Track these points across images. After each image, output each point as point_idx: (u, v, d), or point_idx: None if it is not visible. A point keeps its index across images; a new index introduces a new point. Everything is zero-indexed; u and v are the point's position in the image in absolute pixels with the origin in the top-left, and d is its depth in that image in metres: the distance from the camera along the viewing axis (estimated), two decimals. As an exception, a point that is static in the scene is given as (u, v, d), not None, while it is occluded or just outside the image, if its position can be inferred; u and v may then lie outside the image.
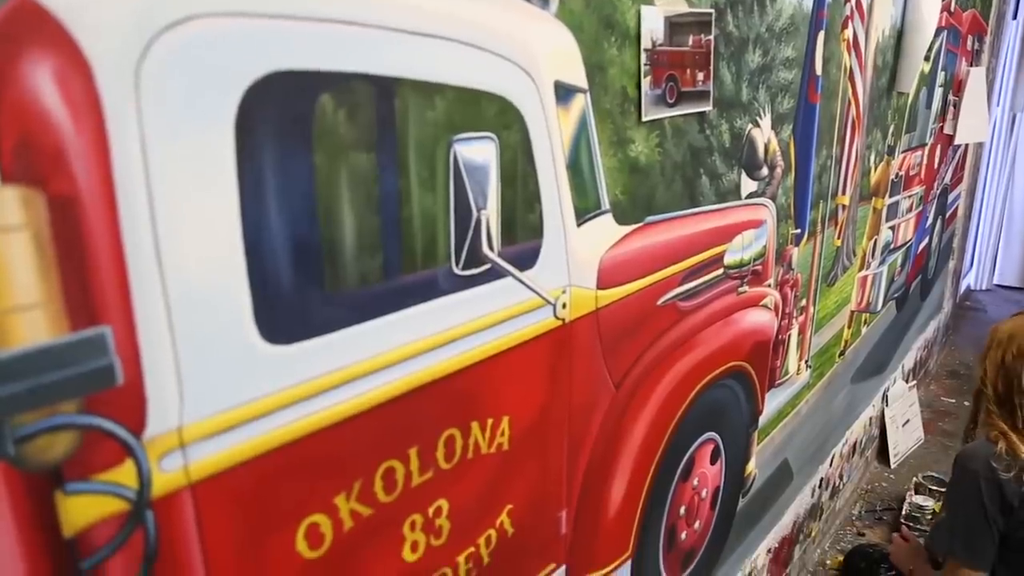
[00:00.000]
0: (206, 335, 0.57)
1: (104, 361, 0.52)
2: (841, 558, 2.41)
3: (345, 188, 0.65)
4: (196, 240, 0.56)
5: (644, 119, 1.01)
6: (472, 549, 0.88)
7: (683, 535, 1.41)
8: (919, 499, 2.67)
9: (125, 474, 0.55)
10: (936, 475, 2.76)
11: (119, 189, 0.51)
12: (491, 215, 0.79)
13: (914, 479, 2.78)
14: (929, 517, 2.60)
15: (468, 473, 0.84)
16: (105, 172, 0.50)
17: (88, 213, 0.50)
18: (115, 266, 0.52)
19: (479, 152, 0.77)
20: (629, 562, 1.22)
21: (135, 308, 0.53)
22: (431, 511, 0.81)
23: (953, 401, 3.68)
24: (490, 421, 0.85)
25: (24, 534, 0.50)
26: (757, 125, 1.36)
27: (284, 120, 0.60)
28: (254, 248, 0.59)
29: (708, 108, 1.17)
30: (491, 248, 0.79)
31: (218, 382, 0.59)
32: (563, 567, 1.07)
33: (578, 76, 0.89)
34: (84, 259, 0.50)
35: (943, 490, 2.65)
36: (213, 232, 0.57)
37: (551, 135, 0.86)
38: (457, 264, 0.76)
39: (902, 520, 2.63)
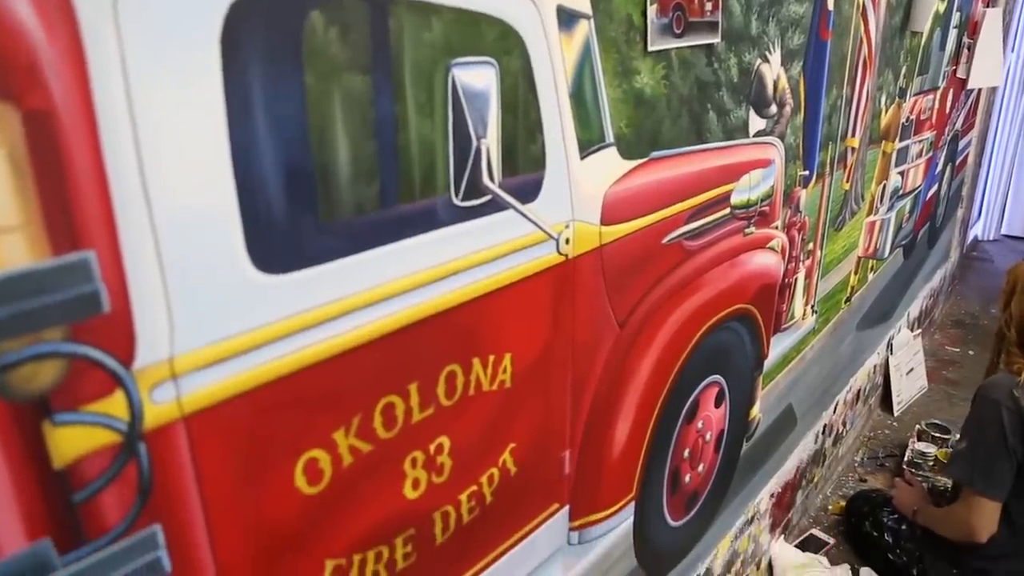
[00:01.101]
0: (196, 263, 0.55)
1: (89, 287, 0.50)
2: (843, 503, 2.42)
3: (338, 112, 0.62)
4: (182, 162, 0.53)
5: (650, 49, 0.98)
6: (474, 487, 0.87)
7: (687, 478, 1.40)
8: (921, 446, 2.68)
9: (115, 405, 0.53)
10: (939, 422, 2.76)
11: (98, 105, 0.48)
12: (491, 144, 0.76)
13: (917, 426, 2.78)
14: (931, 464, 2.61)
15: (469, 410, 0.83)
16: (82, 86, 0.48)
17: (66, 130, 0.48)
18: (97, 188, 0.50)
19: (478, 78, 0.73)
20: (633, 504, 1.22)
21: (120, 233, 0.51)
22: (432, 448, 0.80)
23: (957, 350, 3.68)
24: (492, 358, 0.84)
25: (12, 463, 0.49)
26: (766, 60, 1.32)
27: (272, 37, 0.57)
28: (244, 172, 0.56)
29: (716, 40, 1.13)
30: (491, 179, 0.77)
31: (210, 312, 0.57)
32: (566, 507, 1.06)
33: (582, 1, 0.86)
34: (64, 179, 0.48)
35: (946, 437, 2.67)
36: (200, 154, 0.54)
37: (553, 62, 0.82)
38: (456, 195, 0.74)
39: (904, 466, 2.64)
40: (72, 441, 0.51)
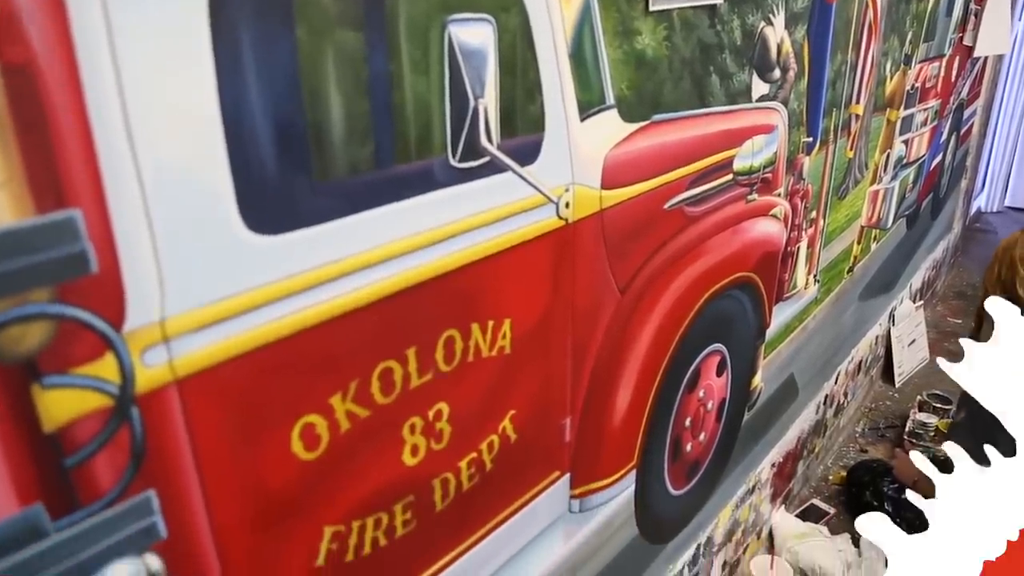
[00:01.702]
0: (186, 222, 0.54)
1: (76, 247, 0.49)
2: (844, 473, 2.43)
3: (331, 67, 0.60)
4: (170, 119, 0.52)
5: (651, 8, 0.95)
6: (474, 454, 0.87)
7: (688, 447, 1.40)
8: (923, 416, 2.68)
9: (106, 368, 0.52)
10: (940, 393, 2.76)
11: (81, 58, 0.47)
12: (489, 105, 0.74)
13: (918, 397, 2.78)
14: (932, 434, 2.61)
15: (469, 376, 0.82)
16: (63, 36, 0.46)
17: (48, 84, 0.46)
18: (82, 144, 0.48)
19: (475, 35, 0.71)
20: (634, 472, 1.21)
21: (107, 191, 0.50)
22: (431, 414, 0.79)
23: (959, 322, 3.66)
24: (491, 323, 0.83)
25: (1, 427, 0.48)
26: (770, 23, 1.29)
27: (261, -12, 0.55)
28: (234, 129, 0.55)
29: (719, 1, 1.10)
30: (490, 140, 0.75)
31: (201, 273, 0.56)
32: (567, 475, 1.06)
33: (582, -43, 0.83)
34: (47, 135, 0.46)
35: (947, 407, 2.67)
36: (189, 110, 0.52)
37: (553, 21, 0.80)
38: (454, 156, 0.72)
39: (905, 437, 2.65)
40: (62, 405, 0.50)
